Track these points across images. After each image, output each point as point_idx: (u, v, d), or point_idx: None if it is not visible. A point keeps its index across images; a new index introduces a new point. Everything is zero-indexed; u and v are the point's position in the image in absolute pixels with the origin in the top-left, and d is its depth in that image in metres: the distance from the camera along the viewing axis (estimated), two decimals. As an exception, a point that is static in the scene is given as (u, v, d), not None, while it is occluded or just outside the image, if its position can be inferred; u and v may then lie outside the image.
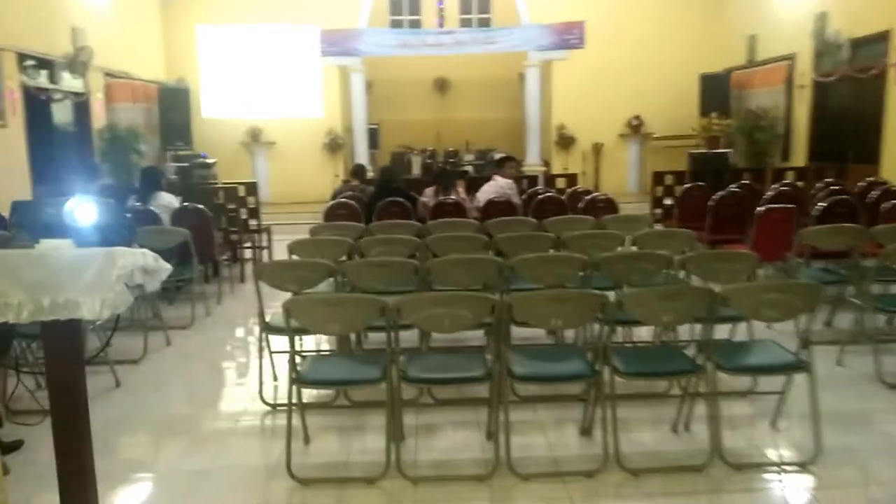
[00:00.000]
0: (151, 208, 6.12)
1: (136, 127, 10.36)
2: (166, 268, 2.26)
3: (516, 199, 6.37)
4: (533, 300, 3.03)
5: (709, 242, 6.35)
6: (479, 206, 6.32)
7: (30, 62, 8.42)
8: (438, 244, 4.44)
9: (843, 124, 9.33)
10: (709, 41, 12.65)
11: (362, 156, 13.13)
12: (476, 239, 4.58)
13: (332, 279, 3.83)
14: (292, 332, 2.98)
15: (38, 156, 8.37)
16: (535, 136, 13.30)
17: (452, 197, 6.36)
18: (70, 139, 9.58)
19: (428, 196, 6.61)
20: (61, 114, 9.42)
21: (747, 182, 7.45)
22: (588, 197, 6.38)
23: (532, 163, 13.15)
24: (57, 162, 8.75)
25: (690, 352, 3.28)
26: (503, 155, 9.56)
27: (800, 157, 10.21)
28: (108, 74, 10.25)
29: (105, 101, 10.23)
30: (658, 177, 8.11)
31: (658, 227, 7.71)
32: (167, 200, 6.33)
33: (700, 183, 7.16)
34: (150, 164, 9.20)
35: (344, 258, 4.38)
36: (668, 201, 8.18)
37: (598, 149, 12.87)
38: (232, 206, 7.47)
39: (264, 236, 7.65)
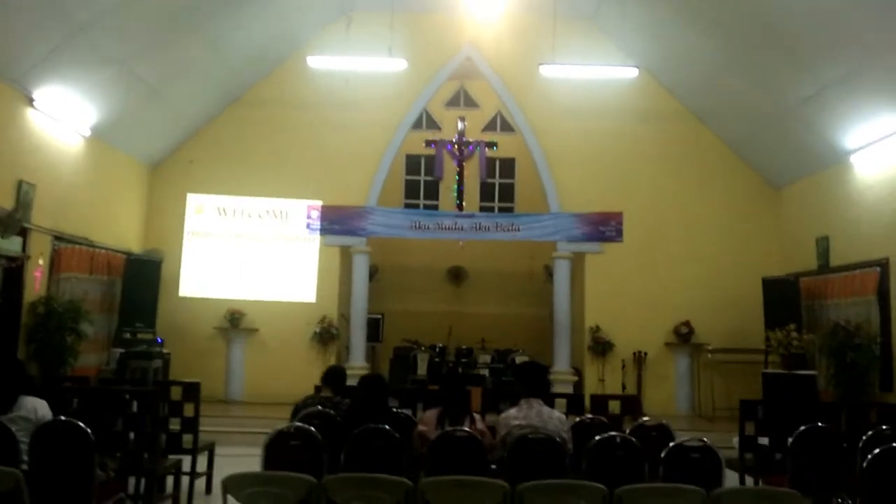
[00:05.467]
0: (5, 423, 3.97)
1: (80, 302, 8.46)
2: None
3: (568, 442, 4.13)
4: None
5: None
6: (504, 443, 4.10)
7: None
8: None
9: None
10: (772, 241, 11.02)
11: (359, 349, 11.10)
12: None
13: None
14: None
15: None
16: (564, 338, 11.26)
17: (465, 428, 4.16)
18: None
19: (428, 423, 4.43)
20: (-19, 279, 7.61)
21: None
22: (673, 444, 4.13)
23: (561, 369, 11.00)
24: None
25: None
26: (529, 359, 7.52)
27: (909, 386, 7.99)
28: (60, 238, 8.57)
29: (50, 270, 8.45)
30: (748, 408, 5.87)
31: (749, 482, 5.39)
32: (32, 409, 4.19)
33: (821, 424, 4.92)
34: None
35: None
36: (762, 441, 5.89)
37: (640, 358, 10.74)
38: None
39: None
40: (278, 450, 4.01)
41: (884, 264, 8.53)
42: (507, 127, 13.49)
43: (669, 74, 11.26)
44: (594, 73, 10.37)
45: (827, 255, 9.81)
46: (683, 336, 10.79)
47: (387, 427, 3.93)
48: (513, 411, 4.31)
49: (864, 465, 4.02)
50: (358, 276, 11.35)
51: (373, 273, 12.23)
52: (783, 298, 9.86)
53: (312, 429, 4.06)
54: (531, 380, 4.30)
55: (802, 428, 4.85)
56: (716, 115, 11.13)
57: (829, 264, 9.73)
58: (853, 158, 9.19)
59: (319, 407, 4.80)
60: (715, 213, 11.27)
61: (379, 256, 12.58)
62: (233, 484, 3.22)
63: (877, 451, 4.01)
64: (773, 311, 9.84)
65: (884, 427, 5.06)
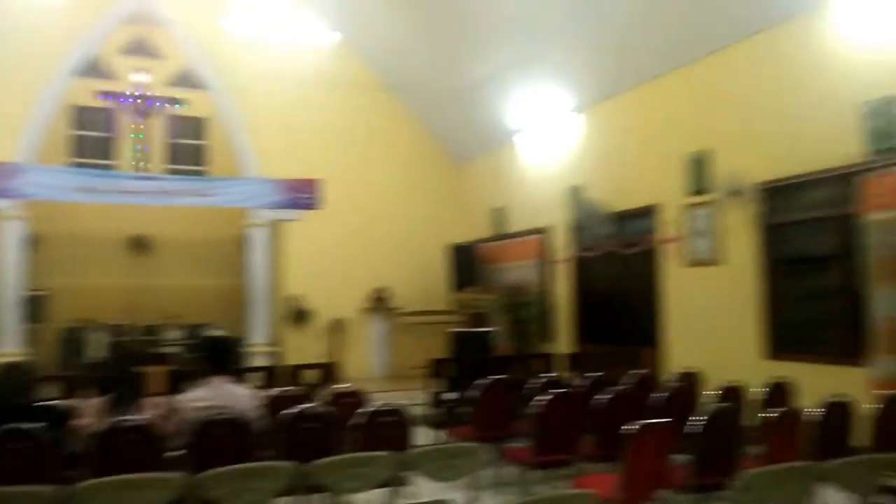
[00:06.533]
0: None
1: None
2: None
3: (257, 421, 3.84)
4: None
5: (536, 465, 4.46)
6: (183, 430, 3.68)
7: None
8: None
9: (614, 302, 8.56)
10: (456, 211, 11.89)
11: (9, 332, 9.35)
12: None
13: None
14: None
15: None
16: (261, 309, 10.86)
17: (136, 416, 3.63)
18: None
19: (91, 414, 3.79)
20: None
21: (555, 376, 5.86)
22: (363, 410, 4.11)
23: (258, 341, 10.60)
24: None
25: None
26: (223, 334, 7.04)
27: (564, 338, 9.25)
28: None
29: None
30: (438, 366, 6.21)
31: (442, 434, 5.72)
32: None
33: (502, 376, 5.39)
34: None
35: None
36: (449, 395, 6.30)
37: (338, 325, 10.82)
38: None
39: None
40: None
41: (545, 232, 9.73)
42: (199, 84, 12.39)
43: (368, 45, 11.35)
44: (289, 36, 10.00)
45: (502, 223, 10.90)
46: (379, 301, 11.13)
47: (26, 426, 3.23)
48: (197, 392, 3.89)
49: (528, 409, 4.46)
50: (7, 247, 9.51)
51: (34, 243, 10.39)
52: (466, 263, 10.74)
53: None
54: (216, 356, 3.91)
55: (482, 381, 5.25)
56: (408, 88, 11.54)
57: (504, 232, 10.82)
58: (519, 138, 10.30)
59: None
60: (407, 184, 11.77)
61: (43, 224, 10.72)
62: None
63: (538, 397, 4.46)
64: (457, 275, 10.67)
65: (543, 374, 5.75)
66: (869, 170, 5.46)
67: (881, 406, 4.15)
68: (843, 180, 5.72)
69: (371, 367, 11.01)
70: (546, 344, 9.35)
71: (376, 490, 3.54)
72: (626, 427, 3.54)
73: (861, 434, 4.12)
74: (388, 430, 4.01)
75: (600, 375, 5.43)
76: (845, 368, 5.51)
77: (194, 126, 13.10)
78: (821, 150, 5.86)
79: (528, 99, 9.58)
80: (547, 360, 7.48)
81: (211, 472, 2.90)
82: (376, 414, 4.05)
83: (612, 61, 8.11)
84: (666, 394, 4.73)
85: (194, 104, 12.50)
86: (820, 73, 5.95)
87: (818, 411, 4.01)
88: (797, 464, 3.10)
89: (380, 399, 4.65)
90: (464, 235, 11.40)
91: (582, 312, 9.11)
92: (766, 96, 6.47)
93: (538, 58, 8.84)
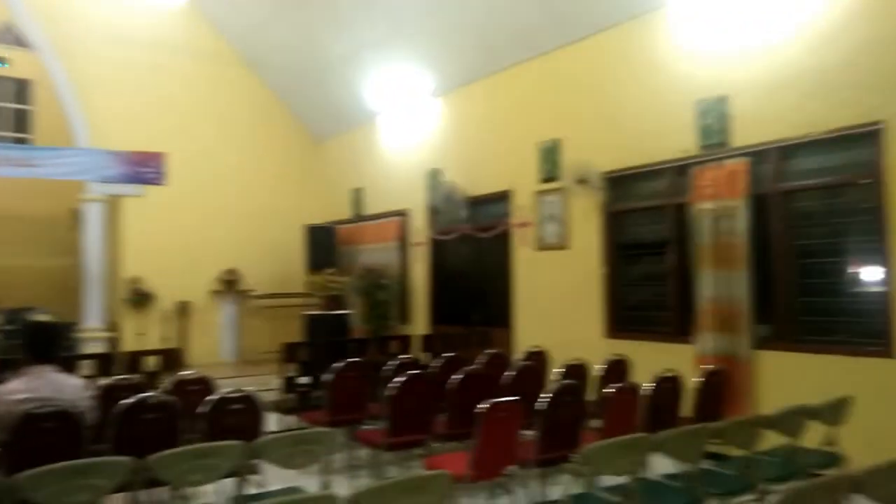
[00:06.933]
0: None
1: None
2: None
3: (89, 412, 3.51)
4: None
5: (389, 447, 4.46)
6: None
7: None
8: None
9: (468, 284, 8.75)
10: (315, 190, 11.60)
11: None
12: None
13: None
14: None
15: None
16: (97, 291, 10.02)
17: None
18: None
19: None
20: None
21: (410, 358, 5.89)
22: (211, 397, 3.90)
23: (93, 326, 9.79)
24: None
25: None
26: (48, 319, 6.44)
27: (421, 320, 9.34)
28: None
29: None
30: (291, 350, 6.03)
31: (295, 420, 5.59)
32: None
33: (357, 359, 5.32)
34: None
35: None
36: (302, 380, 6.14)
37: (184, 308, 10.23)
38: None
39: None
40: None
41: (404, 214, 9.74)
42: (22, 42, 11.10)
43: (222, 15, 10.71)
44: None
45: (361, 205, 10.79)
46: (229, 283, 10.65)
47: None
48: (15, 383, 3.49)
49: (385, 391, 4.45)
50: None
51: None
52: (323, 244, 10.53)
53: None
54: (38, 343, 3.53)
55: (336, 364, 5.16)
56: (266, 63, 11.05)
57: (362, 213, 10.71)
58: (380, 119, 10.22)
59: None
60: (263, 161, 11.32)
61: None
62: None
63: (394, 379, 4.46)
64: (313, 257, 10.43)
65: (400, 356, 5.77)
66: (700, 163, 5.94)
67: (702, 379, 4.55)
68: (678, 172, 6.19)
69: (221, 353, 10.54)
70: (403, 326, 9.41)
71: (224, 481, 3.38)
72: (478, 406, 3.63)
73: (689, 406, 4.50)
74: (237, 417, 3.84)
75: (454, 356, 5.53)
76: (677, 346, 6.00)
77: (17, 88, 11.78)
78: (660, 143, 6.30)
79: (389, 80, 9.50)
80: (404, 342, 7.52)
81: (32, 471, 2.61)
82: (223, 401, 3.87)
83: (473, 48, 8.23)
84: (514, 372, 4.90)
85: (16, 64, 11.23)
86: (660, 72, 6.38)
87: (651, 386, 4.32)
88: (632, 436, 3.31)
89: (229, 386, 4.44)
90: (322, 216, 11.17)
91: (438, 294, 9.25)
92: (613, 90, 6.84)
93: (401, 39, 8.78)
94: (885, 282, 4.83)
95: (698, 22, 6.06)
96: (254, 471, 3.47)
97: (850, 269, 5.14)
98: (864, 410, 4.13)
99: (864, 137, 4.94)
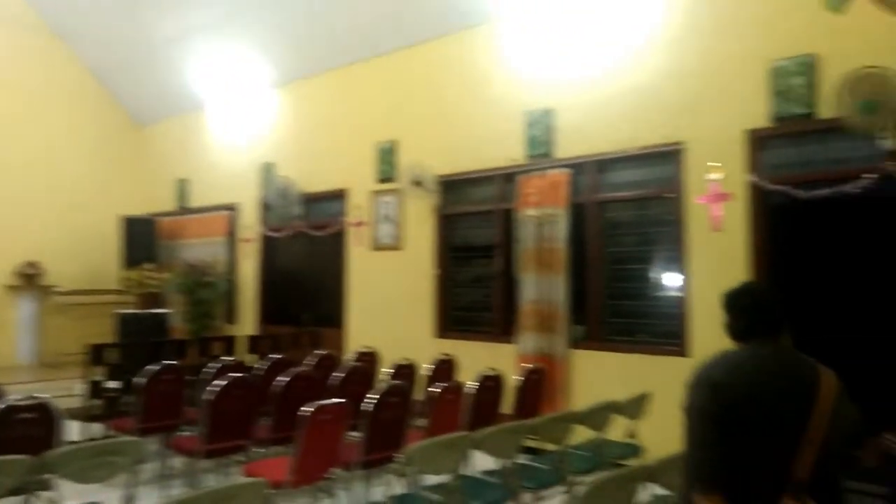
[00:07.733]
0: None
1: None
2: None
3: None
4: None
5: (205, 455, 4.21)
6: None
7: None
8: None
9: (300, 284, 8.53)
10: (134, 180, 10.74)
11: None
12: None
13: None
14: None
15: None
16: None
17: None
18: None
19: None
20: None
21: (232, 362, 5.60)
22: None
23: None
24: None
25: None
26: None
27: (248, 320, 8.96)
28: None
29: None
30: (98, 351, 5.51)
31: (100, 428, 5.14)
32: None
33: (174, 362, 4.97)
34: None
35: None
36: (111, 384, 5.65)
37: (-29, 305, 9.03)
38: None
39: None
40: None
41: (233, 209, 9.31)
42: None
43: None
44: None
45: (185, 196, 10.16)
46: (29, 277, 9.56)
47: None
48: None
49: (203, 395, 4.19)
50: None
51: None
52: (141, 238, 9.78)
53: None
54: None
55: (150, 367, 4.80)
56: (82, 38, 10.04)
57: (187, 206, 10.09)
58: (210, 107, 9.69)
59: None
60: (76, 145, 10.32)
61: None
62: None
63: (214, 382, 4.22)
64: (130, 251, 9.65)
65: (222, 358, 5.48)
66: (526, 171, 6.24)
67: (522, 377, 4.77)
68: (507, 179, 6.45)
69: (17, 355, 9.43)
70: (229, 326, 8.98)
71: (9, 499, 3.01)
72: (301, 409, 3.53)
73: (510, 403, 4.70)
74: (28, 427, 3.43)
75: (281, 357, 5.36)
76: (501, 345, 6.25)
77: None
78: (491, 150, 6.53)
79: (221, 66, 9.03)
80: (229, 343, 7.17)
81: None
82: (11, 410, 3.44)
83: (314, 41, 8.03)
84: (343, 374, 4.85)
85: None
86: (492, 82, 6.62)
87: (475, 385, 4.45)
88: (453, 435, 3.39)
89: (23, 391, 3.97)
90: (141, 207, 10.38)
91: (268, 293, 8.93)
92: (449, 95, 6.99)
93: (238, 26, 8.36)
94: (682, 288, 5.35)
95: (526, 37, 6.36)
96: (45, 487, 3.12)
97: (654, 276, 5.64)
98: (661, 405, 4.54)
99: (669, 156, 5.45)
